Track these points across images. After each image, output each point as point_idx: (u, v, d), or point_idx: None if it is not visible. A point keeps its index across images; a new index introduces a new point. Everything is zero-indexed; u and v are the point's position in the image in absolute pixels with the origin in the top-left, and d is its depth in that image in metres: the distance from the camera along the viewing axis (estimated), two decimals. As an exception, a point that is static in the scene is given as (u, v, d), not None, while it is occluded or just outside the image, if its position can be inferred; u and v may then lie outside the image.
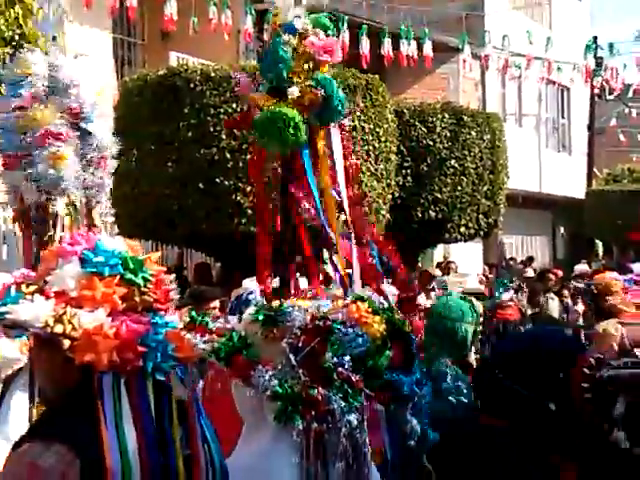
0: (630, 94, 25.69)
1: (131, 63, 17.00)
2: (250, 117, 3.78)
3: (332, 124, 3.85)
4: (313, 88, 3.68)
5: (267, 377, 2.60)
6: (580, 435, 2.49)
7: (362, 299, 3.49)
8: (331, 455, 2.62)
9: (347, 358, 2.76)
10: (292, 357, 2.64)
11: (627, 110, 27.96)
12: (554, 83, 24.95)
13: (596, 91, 25.49)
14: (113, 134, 4.20)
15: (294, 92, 3.65)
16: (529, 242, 25.75)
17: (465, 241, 15.58)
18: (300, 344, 2.67)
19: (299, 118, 3.62)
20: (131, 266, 2.29)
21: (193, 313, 2.50)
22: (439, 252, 18.18)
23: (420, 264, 17.57)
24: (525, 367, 2.42)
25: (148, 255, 2.40)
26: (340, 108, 3.80)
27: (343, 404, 2.64)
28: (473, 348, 5.03)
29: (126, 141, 11.43)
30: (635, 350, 5.03)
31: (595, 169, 27.68)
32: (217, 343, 2.66)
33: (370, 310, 3.33)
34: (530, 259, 21.45)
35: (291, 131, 3.58)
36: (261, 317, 2.72)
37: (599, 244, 26.07)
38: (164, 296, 2.35)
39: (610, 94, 26.36)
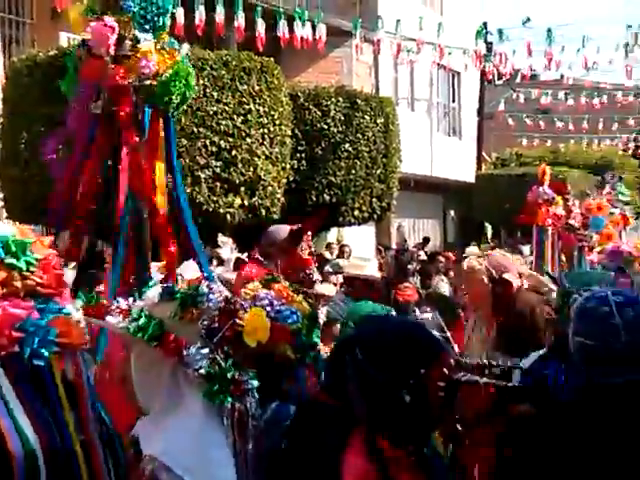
0: (518, 79, 26.34)
1: (19, 42, 16.51)
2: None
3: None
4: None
5: (200, 357, 2.61)
6: (426, 429, 2.55)
7: (276, 280, 3.54)
8: (246, 433, 2.65)
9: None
10: (208, 339, 2.65)
11: (515, 95, 28.65)
12: (445, 68, 25.37)
13: (486, 76, 26.06)
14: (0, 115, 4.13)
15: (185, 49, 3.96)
16: (421, 225, 26.18)
17: (359, 224, 15.72)
18: (216, 325, 2.68)
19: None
20: (13, 249, 2.24)
21: (81, 294, 2.47)
22: (333, 235, 18.29)
23: (314, 247, 17.65)
24: (389, 355, 2.42)
25: (38, 239, 2.35)
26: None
27: (254, 383, 2.67)
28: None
29: (15, 123, 11.27)
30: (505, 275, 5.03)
31: (484, 153, 28.33)
32: (138, 323, 2.65)
33: (290, 290, 3.40)
34: (426, 240, 21.73)
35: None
36: (178, 297, 2.71)
37: (488, 227, 26.71)
38: (54, 281, 2.30)
39: (499, 79, 27.00)
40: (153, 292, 2.81)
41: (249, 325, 2.71)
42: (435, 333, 5.43)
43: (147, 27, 3.87)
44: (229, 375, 2.59)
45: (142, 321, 2.66)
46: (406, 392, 2.39)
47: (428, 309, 7.59)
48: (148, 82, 3.80)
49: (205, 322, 2.67)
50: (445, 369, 2.49)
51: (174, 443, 2.61)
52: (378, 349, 2.44)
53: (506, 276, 4.53)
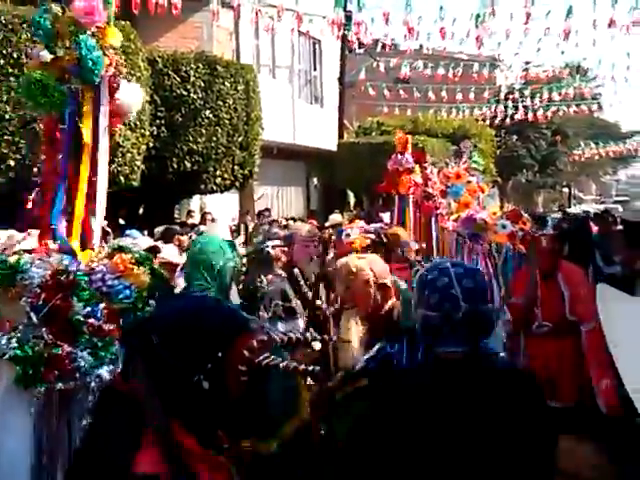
0: (379, 49, 26.58)
1: None
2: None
3: (96, 82, 3.88)
4: (72, 50, 3.78)
5: (5, 340, 2.47)
6: (227, 414, 2.41)
7: (123, 250, 3.40)
8: (77, 412, 2.53)
9: (101, 306, 2.66)
10: (34, 316, 2.51)
11: (376, 64, 28.91)
12: (306, 35, 25.35)
13: (347, 45, 26.17)
14: None
15: (45, 56, 3.73)
16: (284, 193, 26.20)
17: (221, 192, 15.60)
18: (41, 301, 2.54)
19: (50, 81, 3.70)
20: None
21: None
22: (195, 203, 18.09)
23: (178, 215, 17.44)
24: (184, 340, 2.27)
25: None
26: (93, 67, 3.77)
27: (91, 359, 2.54)
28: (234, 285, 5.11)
29: None
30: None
31: (346, 121, 28.52)
32: None
33: (134, 261, 3.26)
34: (267, 210, 20.96)
35: (39, 93, 3.63)
36: None
37: (351, 195, 26.97)
38: None
39: (360, 48, 27.11)
40: None
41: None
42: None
43: None
44: (45, 355, 2.47)
45: None
46: (203, 377, 2.26)
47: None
48: None
49: (29, 299, 2.53)
50: (246, 351, 2.35)
51: None
52: (173, 332, 2.28)
53: (386, 281, 4.63)
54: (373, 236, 7.74)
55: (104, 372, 2.63)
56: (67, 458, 2.53)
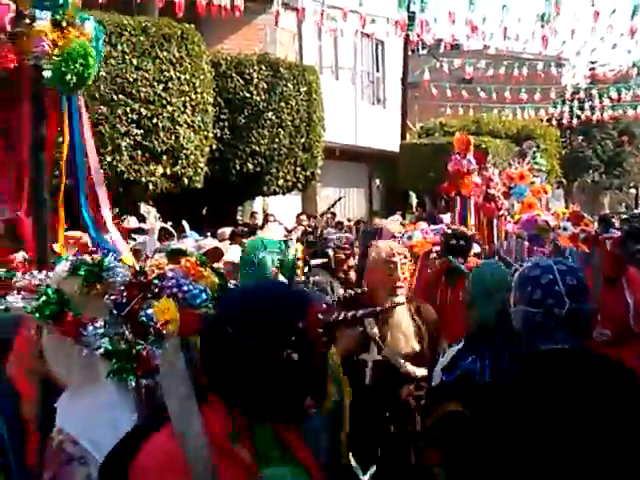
0: (442, 49, 26.45)
1: None
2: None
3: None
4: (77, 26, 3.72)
5: (99, 335, 2.53)
6: (321, 381, 2.42)
7: (184, 253, 3.44)
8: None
9: (150, 311, 2.69)
10: (116, 314, 2.57)
11: (439, 65, 28.77)
12: (369, 36, 25.34)
13: (410, 45, 26.10)
14: None
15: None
16: (346, 194, 26.21)
17: (283, 194, 15.68)
18: (124, 300, 2.59)
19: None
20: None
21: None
22: (258, 204, 18.19)
23: (240, 216, 17.56)
24: (261, 322, 2.28)
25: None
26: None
27: None
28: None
29: None
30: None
31: (409, 122, 28.43)
32: (35, 301, 2.55)
33: (199, 262, 3.29)
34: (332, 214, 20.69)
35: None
36: (83, 273, 2.60)
37: (413, 196, 26.86)
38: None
39: (423, 48, 26.99)
40: (62, 267, 2.71)
41: (159, 317, 2.63)
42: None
43: (46, 4, 3.68)
44: (133, 351, 2.52)
45: (42, 299, 2.56)
46: (291, 351, 2.27)
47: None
48: (42, 62, 3.63)
49: (112, 297, 2.58)
50: (320, 315, 2.39)
51: (83, 417, 2.57)
52: (249, 320, 2.29)
53: None
54: (438, 238, 7.75)
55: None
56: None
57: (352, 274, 7.05)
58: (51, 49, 3.61)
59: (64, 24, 3.66)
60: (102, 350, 2.51)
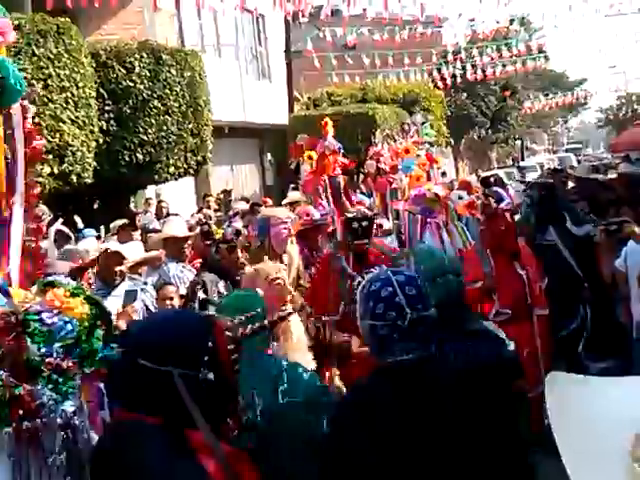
0: (322, 16, 26.40)
1: None
2: None
3: (13, 105, 3.70)
4: None
5: None
6: (233, 397, 2.55)
7: (53, 285, 3.39)
8: (49, 448, 2.56)
9: (56, 345, 2.67)
10: None
11: (321, 34, 28.76)
12: (250, 12, 25.17)
13: (289, 17, 25.97)
14: None
15: None
16: (239, 171, 26.11)
17: (176, 180, 15.54)
18: None
19: None
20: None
21: None
22: (151, 192, 17.97)
23: (134, 207, 17.33)
24: (172, 348, 2.36)
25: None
26: (19, 87, 3.65)
27: (54, 395, 2.57)
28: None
29: None
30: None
31: (296, 94, 28.40)
32: None
33: (68, 294, 3.25)
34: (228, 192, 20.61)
35: None
36: None
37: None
38: None
39: (302, 17, 26.86)
40: None
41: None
42: None
43: None
44: (7, 395, 2.48)
45: None
46: (206, 371, 2.35)
47: None
48: None
49: None
50: (227, 332, 2.48)
51: None
52: (161, 348, 2.36)
53: None
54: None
55: (68, 407, 2.64)
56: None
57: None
58: None
59: None
60: None
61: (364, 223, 6.64)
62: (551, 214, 8.05)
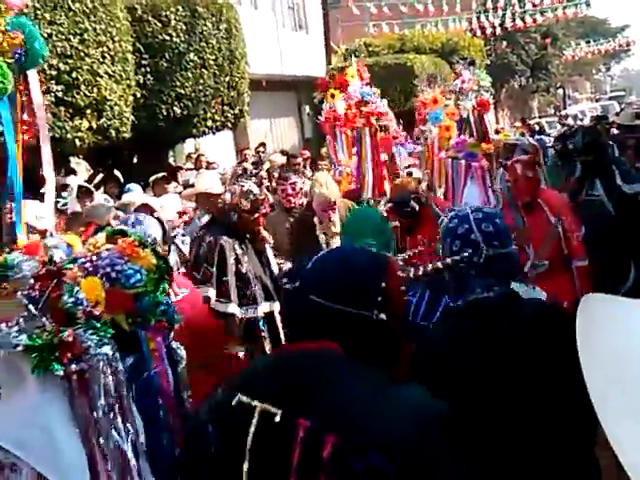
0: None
1: None
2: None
3: (32, 68, 3.72)
4: (10, 32, 3.52)
5: (14, 333, 2.51)
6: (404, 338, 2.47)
7: (124, 233, 3.44)
8: (94, 390, 2.61)
9: (81, 296, 2.71)
10: (32, 307, 2.56)
11: (358, -16, 28.52)
12: (286, -38, 25.01)
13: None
14: None
15: None
16: (277, 124, 26.08)
17: (214, 133, 15.56)
18: (37, 292, 2.58)
19: (5, 65, 3.46)
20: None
21: None
22: (190, 146, 18.03)
23: (173, 160, 17.42)
24: (346, 286, 2.28)
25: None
26: (43, 52, 3.66)
27: (95, 338, 2.61)
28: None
29: None
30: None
31: (334, 46, 28.19)
32: None
33: (137, 243, 3.31)
34: (263, 145, 20.66)
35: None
36: None
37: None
38: None
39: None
40: None
41: (88, 296, 2.65)
42: None
43: None
44: (55, 340, 2.52)
45: None
46: (378, 312, 2.28)
47: None
48: None
49: (25, 292, 2.56)
50: (399, 272, 2.48)
51: (12, 423, 2.53)
52: (333, 286, 2.29)
53: None
54: None
55: (107, 350, 2.69)
56: (97, 438, 2.62)
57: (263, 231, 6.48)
58: None
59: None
60: (21, 347, 2.50)
61: (407, 209, 6.61)
62: (598, 166, 7.28)
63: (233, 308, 5.92)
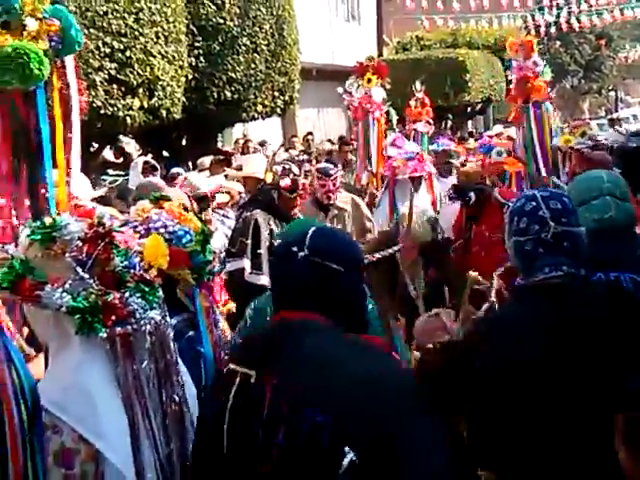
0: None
1: None
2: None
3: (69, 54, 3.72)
4: (47, 20, 3.53)
5: (58, 294, 2.52)
6: None
7: (167, 199, 3.49)
8: (138, 353, 2.62)
9: (136, 260, 2.72)
10: (79, 269, 2.56)
11: (412, -23, 28.28)
12: (342, -48, 24.92)
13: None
14: None
15: (32, 25, 3.47)
16: (325, 114, 26.03)
17: (263, 119, 15.58)
18: (85, 254, 2.59)
19: (41, 52, 3.48)
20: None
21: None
22: (238, 131, 18.08)
23: (221, 145, 17.47)
24: (346, 255, 2.60)
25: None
26: (79, 39, 3.66)
27: (143, 302, 2.62)
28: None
29: None
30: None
31: (385, 38, 28.08)
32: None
33: (182, 208, 3.37)
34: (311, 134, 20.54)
35: (36, 65, 3.42)
36: (38, 237, 2.57)
37: (393, 112, 26.64)
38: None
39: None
40: (23, 235, 2.68)
41: (149, 254, 2.66)
42: None
43: None
44: (99, 302, 2.53)
45: (3, 271, 2.55)
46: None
47: None
48: None
49: (73, 253, 2.57)
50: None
51: (54, 384, 2.57)
52: (339, 253, 2.55)
53: None
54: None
55: (155, 315, 2.70)
56: (140, 401, 2.64)
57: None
58: None
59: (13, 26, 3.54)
60: (64, 308, 2.51)
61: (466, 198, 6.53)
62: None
63: (265, 280, 5.96)
